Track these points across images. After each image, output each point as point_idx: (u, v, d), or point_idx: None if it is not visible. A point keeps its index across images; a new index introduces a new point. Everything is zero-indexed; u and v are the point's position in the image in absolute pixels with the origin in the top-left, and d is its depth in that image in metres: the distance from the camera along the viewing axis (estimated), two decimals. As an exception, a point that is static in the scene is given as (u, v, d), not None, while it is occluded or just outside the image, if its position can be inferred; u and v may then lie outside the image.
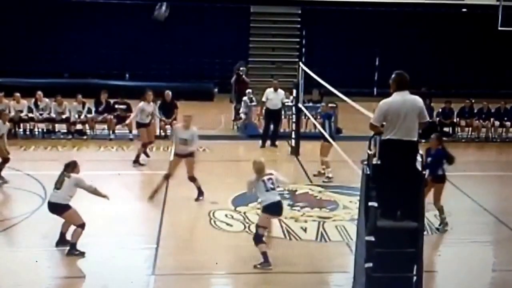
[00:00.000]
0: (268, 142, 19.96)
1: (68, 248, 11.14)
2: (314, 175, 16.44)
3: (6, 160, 15.33)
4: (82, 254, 11.12)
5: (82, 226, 11.15)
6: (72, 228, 11.27)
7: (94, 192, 11.46)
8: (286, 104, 20.18)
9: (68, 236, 11.31)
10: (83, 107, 20.68)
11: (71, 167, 11.32)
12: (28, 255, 10.99)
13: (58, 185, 11.12)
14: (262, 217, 11.01)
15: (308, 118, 19.50)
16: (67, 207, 11.09)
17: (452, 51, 30.53)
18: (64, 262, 10.95)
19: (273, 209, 10.91)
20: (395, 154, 8.68)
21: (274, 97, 19.90)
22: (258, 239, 10.81)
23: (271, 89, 19.98)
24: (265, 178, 10.94)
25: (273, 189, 10.90)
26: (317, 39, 29.99)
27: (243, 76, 24.58)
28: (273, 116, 19.92)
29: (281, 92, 20.13)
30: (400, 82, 8.84)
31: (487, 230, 13.39)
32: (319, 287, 10.46)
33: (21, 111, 20.39)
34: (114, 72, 29.09)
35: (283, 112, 20.45)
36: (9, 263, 10.68)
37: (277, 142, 19.98)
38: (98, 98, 21.05)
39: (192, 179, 14.24)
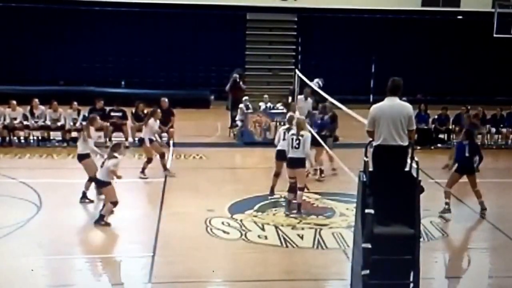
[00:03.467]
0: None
1: (97, 218, 12.89)
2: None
3: None
4: (108, 224, 12.81)
5: (115, 203, 12.90)
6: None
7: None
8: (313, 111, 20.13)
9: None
10: (78, 114, 20.63)
11: (117, 147, 13.30)
12: (24, 263, 10.92)
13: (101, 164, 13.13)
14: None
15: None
16: (108, 183, 12.96)
17: (448, 58, 30.61)
18: (60, 271, 10.90)
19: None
20: (385, 159, 8.75)
21: (304, 105, 19.71)
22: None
23: (302, 97, 19.81)
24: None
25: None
26: (313, 46, 30.03)
27: (240, 83, 24.51)
28: None
29: (309, 100, 20.05)
30: (391, 88, 9.01)
31: (483, 237, 13.38)
32: (316, 295, 10.46)
33: (15, 119, 20.32)
34: (109, 79, 29.06)
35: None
36: (5, 272, 10.60)
37: (274, 150, 19.88)
38: (94, 106, 21.02)
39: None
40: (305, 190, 14.39)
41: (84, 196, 14.32)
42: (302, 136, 13.68)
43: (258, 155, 20.11)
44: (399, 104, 8.93)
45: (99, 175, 13.20)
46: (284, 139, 14.31)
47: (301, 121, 14.13)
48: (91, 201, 14.26)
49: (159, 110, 17.62)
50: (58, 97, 21.81)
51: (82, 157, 14.55)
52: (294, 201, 13.88)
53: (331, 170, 16.95)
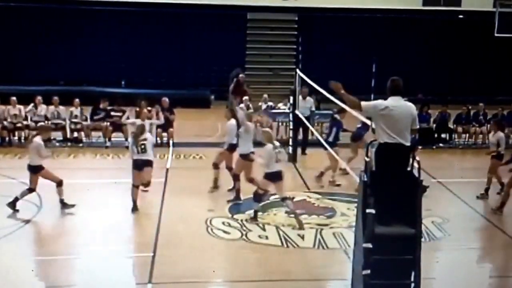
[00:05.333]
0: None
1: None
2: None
3: None
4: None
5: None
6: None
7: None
8: (315, 112, 20.05)
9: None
10: (81, 112, 20.64)
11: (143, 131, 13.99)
12: (24, 264, 10.90)
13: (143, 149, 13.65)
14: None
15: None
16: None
17: (449, 57, 30.58)
18: (60, 271, 10.88)
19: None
20: (389, 158, 8.73)
21: (303, 105, 19.59)
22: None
23: (300, 97, 19.67)
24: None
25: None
26: (314, 45, 29.98)
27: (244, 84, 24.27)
28: (302, 124, 19.33)
29: (309, 100, 19.94)
30: (394, 88, 8.97)
31: (484, 237, 13.37)
32: (316, 295, 10.43)
33: (16, 116, 20.27)
34: (110, 79, 29.03)
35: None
36: (5, 273, 10.57)
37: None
38: (96, 106, 21.00)
39: None
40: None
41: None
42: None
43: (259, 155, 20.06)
44: (406, 104, 8.92)
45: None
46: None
47: (269, 133, 13.80)
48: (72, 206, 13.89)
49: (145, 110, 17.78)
50: (58, 97, 21.74)
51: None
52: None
53: (339, 170, 16.70)
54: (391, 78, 9.05)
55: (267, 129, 14.65)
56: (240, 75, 23.79)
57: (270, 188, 13.49)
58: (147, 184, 13.99)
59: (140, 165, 13.79)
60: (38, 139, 13.77)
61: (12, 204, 13.52)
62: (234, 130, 14.79)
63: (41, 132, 14.43)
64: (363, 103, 9.03)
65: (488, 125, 22.03)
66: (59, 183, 13.74)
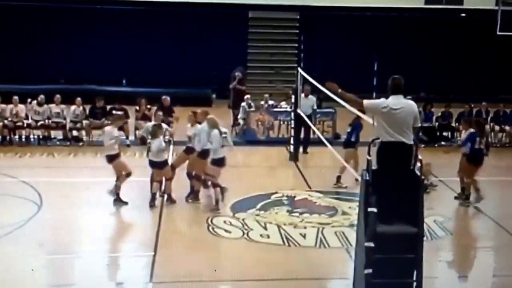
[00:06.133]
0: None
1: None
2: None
3: None
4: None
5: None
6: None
7: None
8: (317, 110, 19.96)
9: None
10: (84, 110, 20.61)
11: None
12: (24, 263, 10.86)
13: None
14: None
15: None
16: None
17: (451, 56, 30.49)
18: (60, 270, 10.86)
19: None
20: (390, 156, 8.70)
21: (305, 103, 19.48)
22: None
23: (302, 95, 19.55)
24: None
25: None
26: (316, 44, 29.89)
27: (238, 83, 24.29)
28: (303, 122, 19.16)
29: (312, 98, 19.83)
30: (395, 86, 8.96)
31: (487, 236, 13.30)
32: (318, 294, 10.39)
33: (17, 115, 20.24)
34: (111, 78, 28.97)
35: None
36: (5, 272, 10.55)
37: (278, 148, 19.87)
38: (94, 105, 20.97)
39: None
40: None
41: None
42: (226, 133, 13.97)
43: (260, 153, 20.06)
44: (407, 103, 8.89)
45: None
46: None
47: (213, 119, 14.06)
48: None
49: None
50: (58, 95, 21.68)
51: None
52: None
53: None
54: (392, 76, 9.04)
55: (211, 116, 14.40)
56: (236, 73, 23.78)
57: (218, 173, 13.86)
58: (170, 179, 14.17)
59: (160, 165, 13.99)
60: (109, 128, 14.18)
61: (118, 199, 13.92)
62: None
63: (113, 121, 14.90)
64: (365, 101, 9.02)
65: (492, 124, 22.01)
66: (127, 175, 14.11)
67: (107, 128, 14.28)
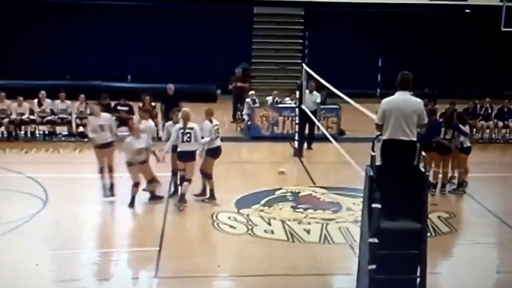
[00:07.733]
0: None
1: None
2: None
3: None
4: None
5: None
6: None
7: None
8: (321, 106, 19.92)
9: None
10: (86, 108, 20.62)
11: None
12: (29, 258, 10.92)
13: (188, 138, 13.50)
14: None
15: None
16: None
17: (455, 52, 30.44)
18: (65, 266, 10.89)
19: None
20: (394, 153, 8.72)
21: (309, 98, 19.35)
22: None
23: (307, 91, 19.43)
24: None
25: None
26: (321, 40, 29.91)
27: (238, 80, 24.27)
28: (308, 118, 19.06)
29: (316, 94, 19.78)
30: (402, 82, 8.95)
31: (491, 232, 13.30)
32: (322, 290, 10.42)
33: (23, 114, 20.30)
34: (116, 73, 29.02)
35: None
36: (10, 267, 10.61)
37: (282, 144, 19.87)
38: (99, 101, 20.94)
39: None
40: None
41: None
42: (191, 129, 13.61)
43: (265, 149, 20.09)
44: (411, 99, 8.88)
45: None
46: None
47: (187, 113, 13.83)
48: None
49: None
50: (64, 92, 21.72)
51: None
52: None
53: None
54: (401, 72, 9.03)
55: (185, 108, 14.29)
56: (236, 70, 23.74)
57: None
58: (189, 180, 13.89)
59: (185, 156, 13.72)
60: (129, 140, 14.11)
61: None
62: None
63: (132, 131, 14.60)
64: (376, 121, 9.07)
65: (496, 120, 21.98)
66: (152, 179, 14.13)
67: (127, 140, 14.07)
